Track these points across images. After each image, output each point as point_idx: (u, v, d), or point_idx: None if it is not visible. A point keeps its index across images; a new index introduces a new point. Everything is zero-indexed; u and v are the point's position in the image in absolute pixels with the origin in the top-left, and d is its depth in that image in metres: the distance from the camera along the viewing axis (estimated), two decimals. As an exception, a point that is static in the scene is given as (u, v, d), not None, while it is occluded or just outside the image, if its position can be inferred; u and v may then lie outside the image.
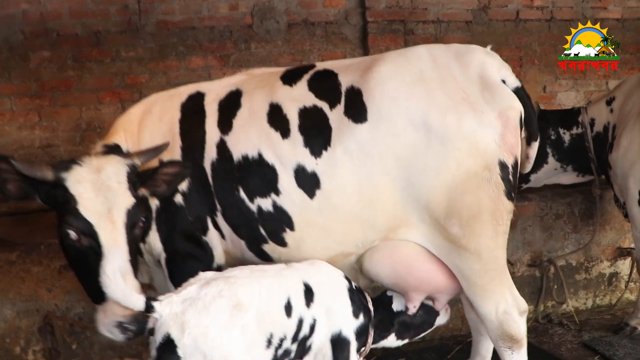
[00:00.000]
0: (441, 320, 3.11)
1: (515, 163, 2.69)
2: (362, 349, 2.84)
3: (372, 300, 2.95)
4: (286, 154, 2.75)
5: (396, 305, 3.00)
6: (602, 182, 4.62)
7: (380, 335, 2.95)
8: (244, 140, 2.82)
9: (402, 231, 2.78)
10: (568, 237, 4.90)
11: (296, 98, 2.82)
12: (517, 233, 4.52)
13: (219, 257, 3.01)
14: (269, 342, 2.34)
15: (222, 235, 2.97)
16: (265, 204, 2.78)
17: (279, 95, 2.85)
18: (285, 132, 2.78)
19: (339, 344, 2.65)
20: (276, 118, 2.81)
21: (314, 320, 2.55)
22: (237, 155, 2.82)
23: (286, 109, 2.81)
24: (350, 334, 2.70)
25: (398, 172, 2.65)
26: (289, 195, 2.74)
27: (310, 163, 2.71)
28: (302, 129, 2.76)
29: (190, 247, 2.93)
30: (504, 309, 2.80)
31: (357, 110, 2.70)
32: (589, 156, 4.50)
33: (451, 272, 2.85)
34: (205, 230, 2.93)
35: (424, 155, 2.62)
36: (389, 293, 3.05)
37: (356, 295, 2.80)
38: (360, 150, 2.66)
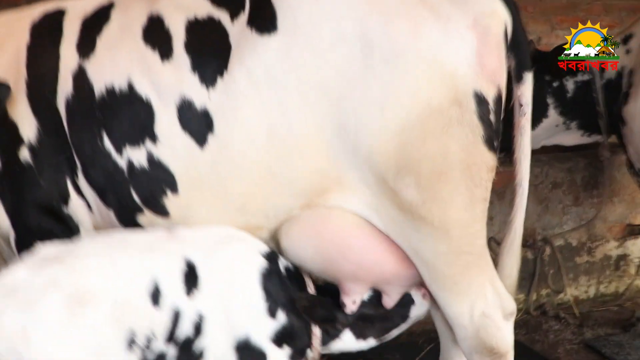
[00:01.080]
0: (418, 310, 2.36)
1: (499, 97, 1.98)
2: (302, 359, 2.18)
3: (320, 288, 2.26)
4: (167, 82, 2.08)
5: None
6: (613, 144, 3.97)
7: (330, 335, 2.24)
8: (110, 66, 2.17)
9: (332, 196, 2.08)
10: (567, 211, 4.38)
11: (185, 6, 2.17)
12: (504, 205, 3.84)
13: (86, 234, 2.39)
14: (131, 342, 1.87)
15: (89, 205, 2.30)
16: (138, 156, 2.12)
17: (162, 4, 2.20)
18: (166, 52, 2.10)
19: (248, 355, 2.02)
20: (155, 33, 2.15)
21: (200, 317, 1.96)
22: (99, 87, 2.15)
23: (170, 20, 2.14)
24: (264, 341, 2.04)
25: (325, 108, 1.96)
26: (170, 143, 2.10)
27: (200, 96, 2.04)
28: (190, 47, 2.09)
29: (48, 223, 2.32)
30: (482, 309, 2.15)
31: (263, 17, 2.01)
32: (596, 110, 3.81)
33: (405, 254, 2.16)
34: (65, 198, 2.29)
35: (362, 82, 1.91)
36: None
37: (277, 283, 2.11)
38: (268, 75, 1.97)
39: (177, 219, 2.18)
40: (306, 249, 2.12)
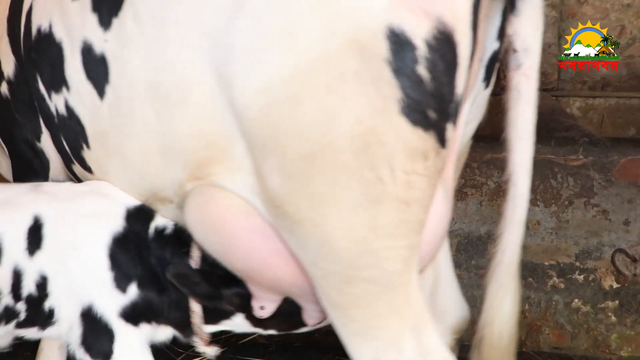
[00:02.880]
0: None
1: (443, 38, 1.23)
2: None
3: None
4: (73, 23, 1.81)
5: None
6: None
7: (216, 314, 1.85)
8: (42, 6, 1.99)
9: (216, 170, 1.59)
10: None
11: None
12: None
13: (56, 172, 2.23)
14: None
15: None
16: (59, 103, 1.91)
17: None
18: None
19: (91, 326, 1.78)
20: None
21: (43, 278, 1.80)
22: (34, 28, 1.99)
23: None
24: (111, 317, 1.76)
25: (206, 53, 1.47)
26: (79, 91, 1.83)
27: (98, 39, 1.72)
28: None
29: (30, 154, 2.27)
30: None
31: None
32: None
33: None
34: (38, 135, 2.18)
35: (237, 17, 1.37)
36: None
37: (136, 251, 1.79)
38: (150, 14, 1.58)
39: (97, 177, 1.92)
40: (197, 234, 1.71)
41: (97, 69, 1.74)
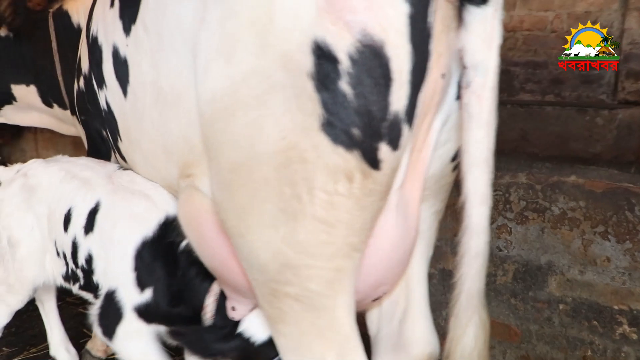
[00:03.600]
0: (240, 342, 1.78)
1: (369, 51, 1.14)
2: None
3: None
4: (108, 28, 2.01)
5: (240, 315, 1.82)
6: None
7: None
8: (96, 12, 2.24)
9: (196, 171, 1.62)
10: None
11: None
12: None
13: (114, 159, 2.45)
14: (57, 250, 2.12)
15: None
16: (102, 98, 2.13)
17: None
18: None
19: (109, 306, 1.93)
20: None
21: (90, 257, 2.01)
22: (92, 31, 2.23)
23: None
24: (127, 306, 1.89)
25: (189, 58, 1.49)
26: (112, 89, 2.03)
27: (122, 43, 1.89)
28: None
29: (99, 141, 2.48)
30: None
31: None
32: None
33: None
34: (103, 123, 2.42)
35: (201, 26, 1.39)
36: None
37: (161, 259, 1.88)
38: (152, 22, 1.70)
39: (129, 166, 2.13)
40: (183, 229, 1.77)
41: (122, 70, 1.89)
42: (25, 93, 3.02)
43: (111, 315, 1.92)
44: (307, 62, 1.16)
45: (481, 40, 1.21)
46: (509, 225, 2.71)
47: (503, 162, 2.71)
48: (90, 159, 2.35)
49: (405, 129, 1.22)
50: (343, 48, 1.14)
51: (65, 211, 2.06)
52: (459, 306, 1.40)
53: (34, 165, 2.25)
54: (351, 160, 1.19)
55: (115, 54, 1.90)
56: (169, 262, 1.86)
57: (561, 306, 2.64)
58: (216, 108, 1.32)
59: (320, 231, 1.24)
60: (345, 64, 1.14)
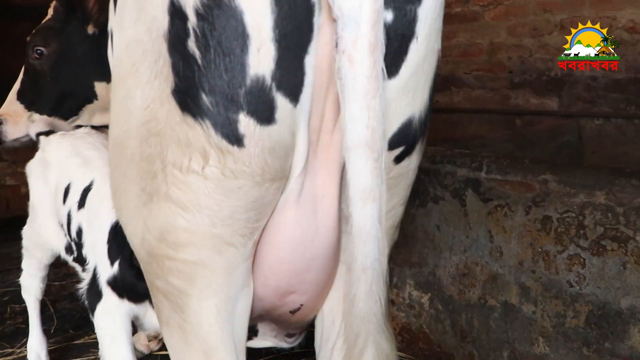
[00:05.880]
0: (263, 342, 1.78)
1: (214, 5, 0.98)
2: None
3: None
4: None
5: None
6: None
7: None
8: None
9: None
10: None
11: None
12: None
13: None
14: (60, 222, 2.28)
15: None
16: None
17: None
18: None
19: (92, 282, 2.00)
20: None
21: (80, 230, 2.11)
22: None
23: None
24: (102, 282, 1.95)
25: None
26: None
27: None
28: None
29: None
30: None
31: None
32: None
33: None
34: None
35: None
36: None
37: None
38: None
39: None
40: None
41: None
42: (107, 92, 3.27)
43: (94, 292, 1.99)
44: (164, 22, 1.04)
45: None
46: (582, 256, 2.19)
47: (578, 176, 2.20)
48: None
49: (279, 99, 1.01)
50: (190, 2, 0.99)
51: (65, 185, 2.20)
52: (347, 334, 1.12)
53: (51, 139, 2.45)
54: (201, 132, 1.03)
55: None
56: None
57: (646, 366, 2.05)
58: (112, 80, 1.25)
59: (176, 215, 1.09)
60: (192, 20, 0.99)
